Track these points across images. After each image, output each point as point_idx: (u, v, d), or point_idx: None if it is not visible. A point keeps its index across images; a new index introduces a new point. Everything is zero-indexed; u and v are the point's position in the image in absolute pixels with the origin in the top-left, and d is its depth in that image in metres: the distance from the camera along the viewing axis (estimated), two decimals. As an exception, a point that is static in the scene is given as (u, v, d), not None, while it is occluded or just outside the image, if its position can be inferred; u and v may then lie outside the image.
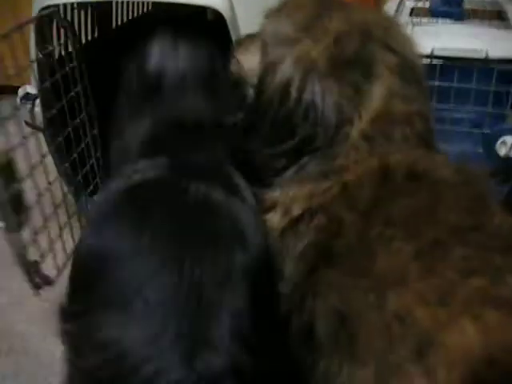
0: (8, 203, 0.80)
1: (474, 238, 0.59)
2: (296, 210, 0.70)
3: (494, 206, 0.66)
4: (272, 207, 0.73)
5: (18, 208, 0.82)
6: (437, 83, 1.10)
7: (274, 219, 0.72)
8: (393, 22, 0.78)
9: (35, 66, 1.03)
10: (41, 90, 1.04)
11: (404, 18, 1.26)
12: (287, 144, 0.72)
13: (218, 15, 0.93)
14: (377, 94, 0.70)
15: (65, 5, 1.02)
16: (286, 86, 0.71)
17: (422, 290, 0.56)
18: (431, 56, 1.09)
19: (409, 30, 1.16)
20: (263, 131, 0.75)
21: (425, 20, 1.23)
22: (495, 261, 0.56)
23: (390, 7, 1.35)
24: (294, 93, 0.71)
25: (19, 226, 0.84)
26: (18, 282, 1.11)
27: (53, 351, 0.98)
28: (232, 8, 0.93)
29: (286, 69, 0.71)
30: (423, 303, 0.55)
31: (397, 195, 0.64)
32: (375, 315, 0.58)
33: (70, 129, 1.06)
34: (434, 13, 1.24)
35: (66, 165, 1.11)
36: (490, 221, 0.63)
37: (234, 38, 0.93)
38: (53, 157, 1.11)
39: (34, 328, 1.03)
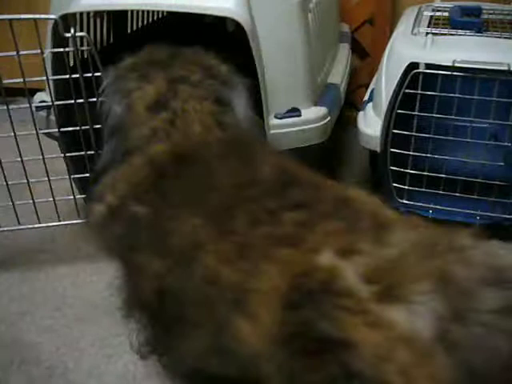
0: None
1: (251, 193, 0.67)
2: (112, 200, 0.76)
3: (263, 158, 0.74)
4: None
5: None
6: (457, 95, 1.09)
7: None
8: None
9: (49, 71, 1.02)
10: (55, 99, 1.03)
11: (423, 27, 1.24)
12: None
13: (238, 26, 0.91)
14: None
15: (81, 12, 1.01)
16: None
17: (221, 250, 0.63)
18: (452, 68, 1.07)
19: (429, 40, 1.15)
20: None
21: (444, 31, 1.21)
22: (271, 206, 0.65)
23: (408, 17, 1.33)
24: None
25: None
26: (28, 290, 1.11)
27: (65, 362, 0.97)
28: (252, 19, 0.91)
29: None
30: (226, 262, 0.63)
31: (170, 179, 0.72)
32: (190, 286, 0.66)
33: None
34: (453, 23, 1.23)
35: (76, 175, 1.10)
36: (260, 173, 0.70)
37: (254, 49, 0.92)
38: (66, 165, 1.10)
39: (46, 338, 1.02)
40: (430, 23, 1.27)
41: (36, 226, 1.13)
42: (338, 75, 1.23)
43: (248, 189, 0.68)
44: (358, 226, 0.61)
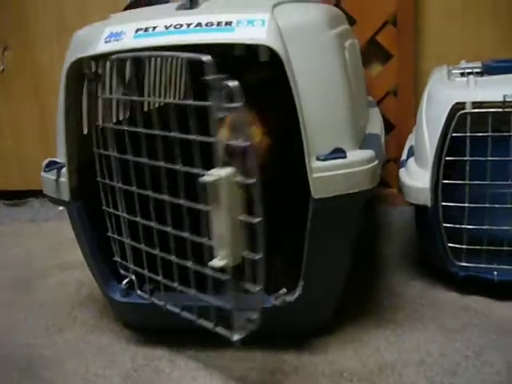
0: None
1: None
2: None
3: None
4: None
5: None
6: (512, 133, 0.98)
7: None
8: None
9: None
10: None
11: (457, 77, 1.16)
12: None
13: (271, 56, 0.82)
14: None
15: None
16: None
17: None
18: (504, 103, 0.97)
19: (471, 80, 1.06)
20: None
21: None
22: None
23: (438, 71, 1.26)
24: None
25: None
26: None
27: None
28: (286, 49, 0.82)
29: None
30: None
31: None
32: None
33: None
34: (488, 69, 1.15)
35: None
36: None
37: (290, 79, 0.82)
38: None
39: None
40: (462, 76, 1.19)
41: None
42: (376, 128, 1.13)
43: None
44: None
